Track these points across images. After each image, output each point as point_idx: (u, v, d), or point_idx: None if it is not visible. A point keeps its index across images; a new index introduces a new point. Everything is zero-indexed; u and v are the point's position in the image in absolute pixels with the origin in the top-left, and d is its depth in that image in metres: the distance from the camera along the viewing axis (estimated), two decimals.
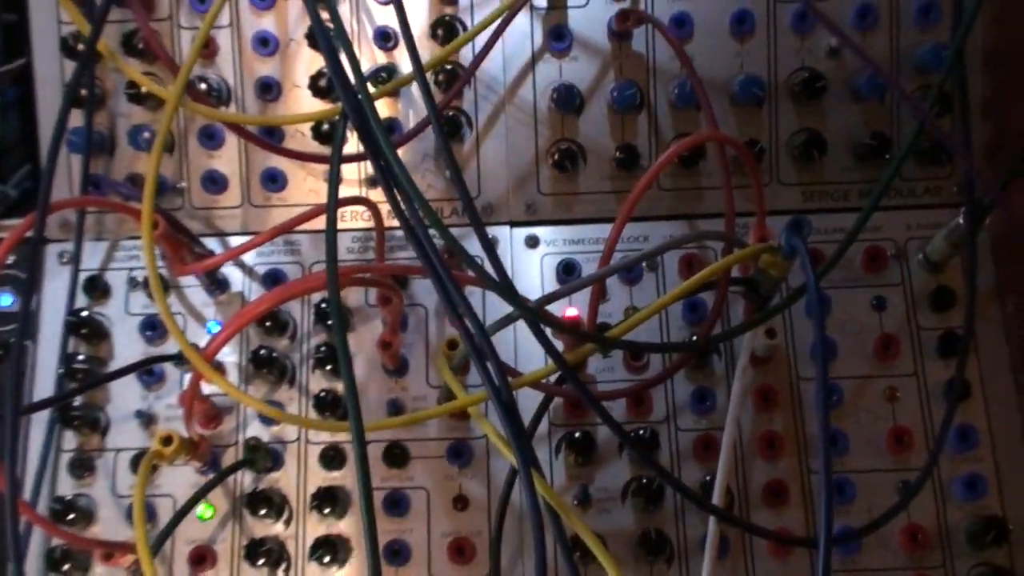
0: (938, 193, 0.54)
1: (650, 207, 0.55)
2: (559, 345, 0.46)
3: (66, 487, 0.53)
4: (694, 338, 0.51)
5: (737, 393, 0.47)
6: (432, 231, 0.38)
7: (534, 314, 0.40)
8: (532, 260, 0.55)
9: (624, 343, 0.45)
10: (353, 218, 0.55)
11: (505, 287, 0.39)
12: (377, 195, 0.55)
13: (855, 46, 0.47)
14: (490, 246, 0.38)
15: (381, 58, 0.54)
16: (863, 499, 0.51)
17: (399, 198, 0.37)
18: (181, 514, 0.48)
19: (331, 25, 0.38)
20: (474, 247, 0.48)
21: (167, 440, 0.46)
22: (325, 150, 0.53)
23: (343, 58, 0.37)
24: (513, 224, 0.55)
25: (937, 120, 0.52)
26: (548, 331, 0.43)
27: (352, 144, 0.54)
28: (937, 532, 0.50)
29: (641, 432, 0.50)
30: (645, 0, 0.54)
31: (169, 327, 0.45)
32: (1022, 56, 0.52)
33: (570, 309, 0.52)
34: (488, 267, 0.39)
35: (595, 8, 0.54)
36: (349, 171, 0.56)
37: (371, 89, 0.50)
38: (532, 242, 0.56)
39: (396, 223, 0.39)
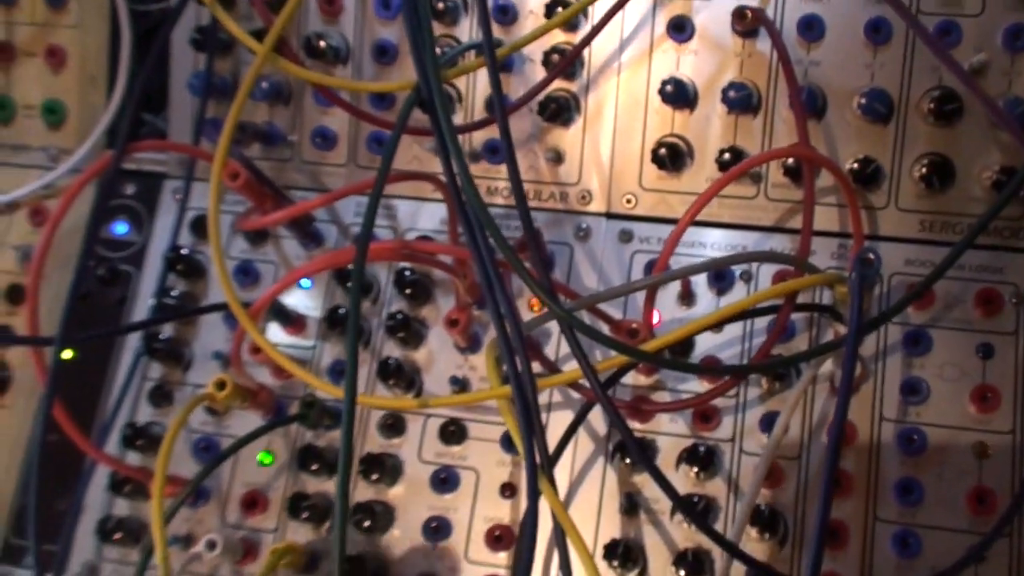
0: None
1: (757, 216, 0.81)
2: None
3: (145, 415, 0.88)
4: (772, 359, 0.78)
5: (782, 419, 0.71)
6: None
7: (565, 316, 0.64)
8: (623, 255, 0.83)
9: (647, 356, 0.68)
10: None
11: (541, 286, 0.66)
12: (482, 170, 0.86)
13: (964, 75, 0.71)
14: (536, 236, 0.67)
15: (497, 32, 0.85)
16: (928, 557, 0.72)
17: (453, 178, 0.66)
18: (221, 457, 0.76)
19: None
20: (567, 234, 0.79)
21: (221, 384, 0.75)
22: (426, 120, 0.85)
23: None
24: (609, 216, 0.83)
25: None
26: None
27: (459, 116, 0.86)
28: None
29: (700, 449, 0.77)
30: None
31: (222, 280, 0.73)
32: None
33: (655, 313, 0.80)
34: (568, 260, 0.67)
35: (722, 2, 0.81)
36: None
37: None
38: (626, 237, 0.84)
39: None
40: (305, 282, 0.86)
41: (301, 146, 0.88)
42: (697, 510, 0.74)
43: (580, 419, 0.75)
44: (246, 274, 0.87)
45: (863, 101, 0.78)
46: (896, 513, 0.74)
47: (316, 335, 0.85)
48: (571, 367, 0.70)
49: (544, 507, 0.66)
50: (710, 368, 0.76)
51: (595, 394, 0.65)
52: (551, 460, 0.70)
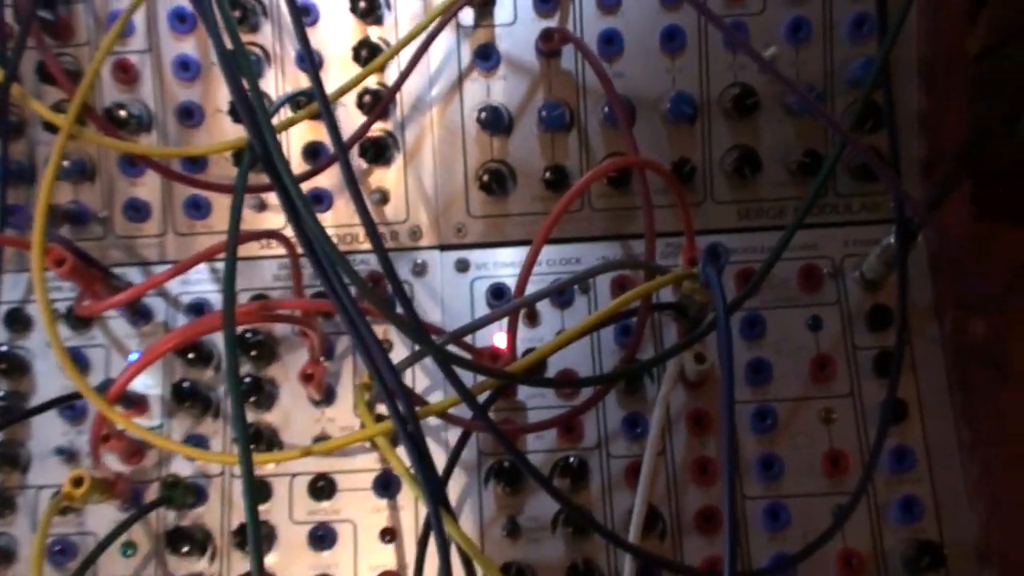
0: (876, 209, 0.81)
1: (583, 228, 0.84)
2: None
3: None
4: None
5: (656, 421, 0.75)
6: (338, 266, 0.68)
7: (439, 351, 0.65)
8: (463, 284, 0.84)
9: (524, 379, 0.70)
10: (278, 245, 0.85)
11: (409, 325, 0.66)
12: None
13: (767, 65, 0.75)
14: (396, 280, 0.66)
15: (305, 82, 0.85)
16: (798, 524, 0.78)
17: (304, 230, 0.66)
18: (89, 561, 0.73)
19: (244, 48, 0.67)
20: (403, 271, 0.80)
21: (78, 481, 0.72)
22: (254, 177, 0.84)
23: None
24: (443, 248, 0.84)
25: (870, 135, 0.82)
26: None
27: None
28: (873, 557, 0.78)
29: (571, 461, 0.79)
30: (573, 16, 0.83)
31: (64, 366, 0.70)
32: (956, 70, 0.83)
33: (498, 337, 0.82)
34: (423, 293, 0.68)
35: (523, 26, 0.82)
36: (275, 197, 0.86)
37: (287, 115, 0.80)
38: (462, 266, 0.85)
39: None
40: (131, 355, 0.83)
41: (113, 221, 0.85)
42: (589, 517, 0.76)
43: (460, 447, 0.76)
44: (77, 361, 0.83)
45: (669, 106, 0.82)
46: (762, 489, 0.79)
47: (162, 413, 0.82)
48: (438, 397, 0.73)
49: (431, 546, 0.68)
50: (591, 379, 0.79)
51: (478, 419, 0.67)
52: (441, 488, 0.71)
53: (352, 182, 0.64)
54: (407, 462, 0.68)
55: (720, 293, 0.66)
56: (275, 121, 0.73)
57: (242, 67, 0.64)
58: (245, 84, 0.63)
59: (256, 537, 0.61)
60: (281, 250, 0.83)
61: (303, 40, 0.65)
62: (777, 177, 0.83)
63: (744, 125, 0.83)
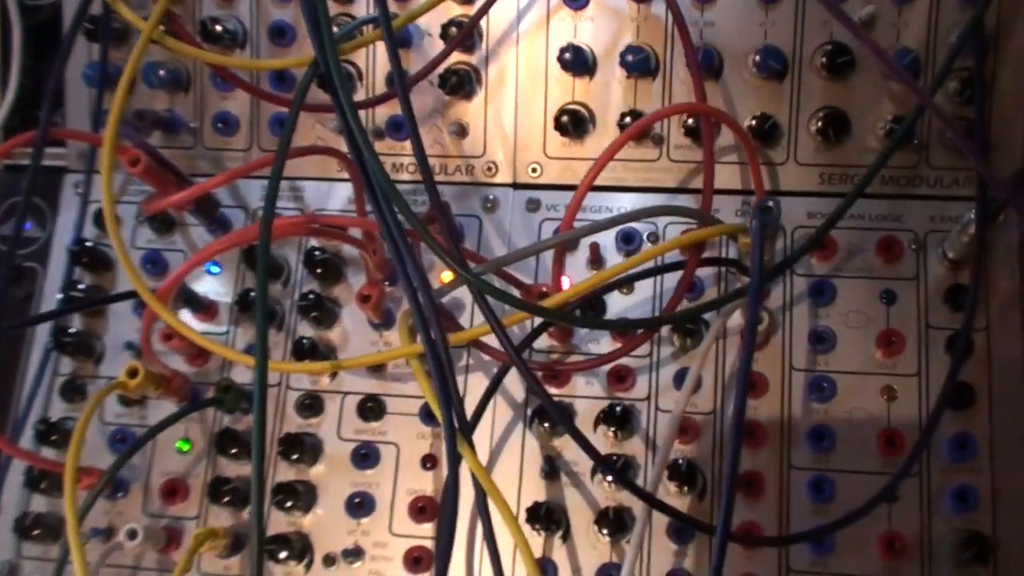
0: (968, 184, 0.78)
1: (660, 178, 0.83)
2: None
3: (58, 411, 0.88)
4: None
5: (692, 373, 0.73)
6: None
7: (473, 280, 0.66)
8: (532, 223, 0.85)
9: (549, 312, 0.70)
10: None
11: (450, 254, 0.67)
12: (387, 147, 0.87)
13: (853, 26, 0.73)
14: (443, 209, 0.68)
15: (394, 8, 0.86)
16: (843, 500, 0.75)
17: (360, 152, 0.67)
18: (135, 446, 0.77)
19: None
20: (475, 206, 0.81)
21: (133, 372, 0.75)
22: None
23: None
24: (516, 186, 0.84)
25: (970, 106, 0.78)
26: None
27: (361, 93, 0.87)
28: (918, 542, 0.76)
29: (617, 409, 0.79)
30: None
31: (124, 264, 0.73)
32: None
33: (565, 279, 0.82)
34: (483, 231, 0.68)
35: None
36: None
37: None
38: (533, 205, 0.85)
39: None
40: (214, 268, 0.87)
41: (203, 132, 0.88)
42: (616, 468, 0.76)
43: (497, 382, 0.76)
44: (154, 263, 0.87)
45: (758, 59, 0.80)
46: (810, 460, 0.77)
47: (228, 320, 0.85)
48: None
49: (467, 474, 0.68)
50: (614, 322, 0.78)
51: (506, 352, 0.67)
52: (470, 425, 0.71)
53: (408, 112, 0.66)
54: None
55: (759, 248, 0.65)
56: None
57: None
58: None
59: (260, 440, 0.64)
60: None
61: None
62: (865, 143, 0.81)
63: (836, 85, 0.81)
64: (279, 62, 0.81)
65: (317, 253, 0.83)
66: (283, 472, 0.82)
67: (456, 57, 0.84)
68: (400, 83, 0.67)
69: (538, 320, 0.76)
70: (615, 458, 0.78)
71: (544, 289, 0.76)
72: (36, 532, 0.81)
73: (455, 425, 0.66)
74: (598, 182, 0.81)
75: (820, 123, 0.80)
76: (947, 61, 0.71)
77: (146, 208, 0.78)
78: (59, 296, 0.86)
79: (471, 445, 0.68)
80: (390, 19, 0.67)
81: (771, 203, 0.66)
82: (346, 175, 0.86)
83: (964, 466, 0.75)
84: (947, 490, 0.75)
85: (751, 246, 0.66)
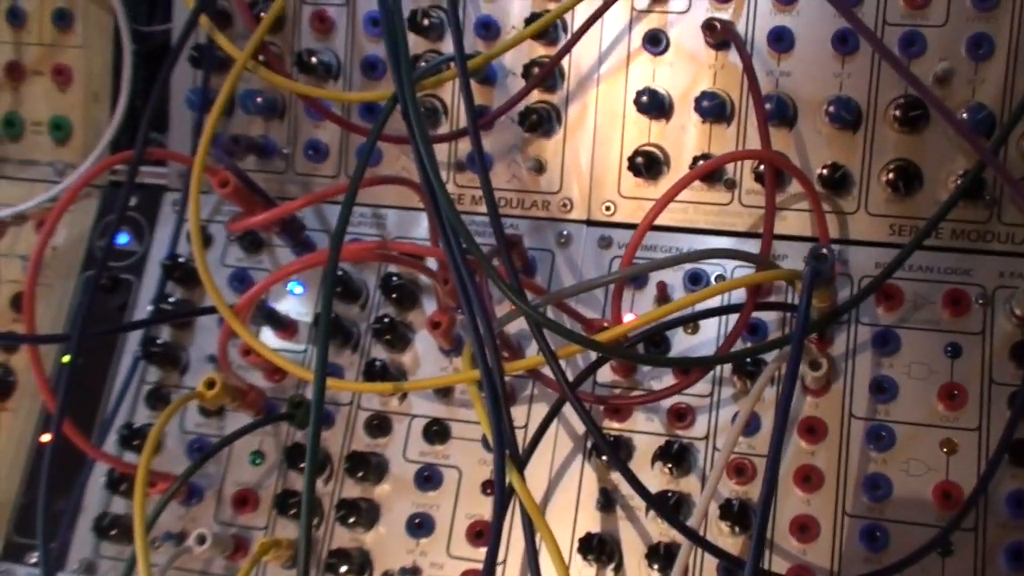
0: None
1: (731, 222, 0.86)
2: None
3: (142, 417, 0.93)
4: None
5: (743, 414, 0.74)
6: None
7: (532, 313, 0.68)
8: (603, 260, 0.87)
9: (602, 347, 0.72)
10: None
11: (509, 286, 0.71)
12: (468, 179, 0.92)
13: (922, 87, 0.75)
14: (508, 240, 0.71)
15: (480, 47, 0.91)
16: (896, 550, 0.75)
17: (430, 184, 0.71)
18: (208, 454, 0.82)
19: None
20: (549, 241, 0.84)
21: (211, 384, 0.80)
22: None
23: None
24: (589, 223, 0.88)
25: None
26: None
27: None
28: None
29: (673, 447, 0.81)
30: (747, 11, 0.85)
31: (204, 280, 0.78)
32: None
33: (628, 315, 0.85)
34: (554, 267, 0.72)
35: (696, 14, 0.84)
36: (441, 151, 0.92)
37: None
38: (605, 243, 0.88)
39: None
40: (297, 288, 0.91)
41: (294, 158, 0.94)
42: (668, 505, 0.78)
43: (554, 413, 0.79)
44: (241, 281, 0.92)
45: (831, 109, 0.82)
46: (865, 507, 0.78)
47: (307, 339, 0.90)
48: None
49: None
50: (665, 359, 0.82)
51: (559, 382, 0.70)
52: (527, 452, 0.75)
53: (478, 147, 0.70)
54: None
55: (808, 296, 0.67)
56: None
57: (392, 20, 0.70)
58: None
59: (313, 455, 0.69)
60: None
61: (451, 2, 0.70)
62: (937, 196, 0.82)
63: (909, 138, 0.82)
64: (361, 95, 0.86)
65: (394, 279, 0.88)
66: (349, 489, 0.86)
67: (537, 95, 0.87)
68: (471, 120, 0.71)
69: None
70: (669, 495, 0.80)
71: (605, 324, 0.79)
72: (113, 532, 0.86)
73: (504, 450, 0.69)
74: (670, 223, 0.84)
75: (891, 175, 0.82)
76: (1012, 118, 0.73)
77: (230, 227, 0.83)
78: (150, 307, 0.92)
79: (521, 474, 0.71)
80: (465, 57, 0.71)
81: (824, 250, 0.68)
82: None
83: (1022, 523, 0.76)
84: (1003, 547, 0.75)
85: (801, 291, 0.68)
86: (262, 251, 0.93)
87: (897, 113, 0.81)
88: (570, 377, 0.75)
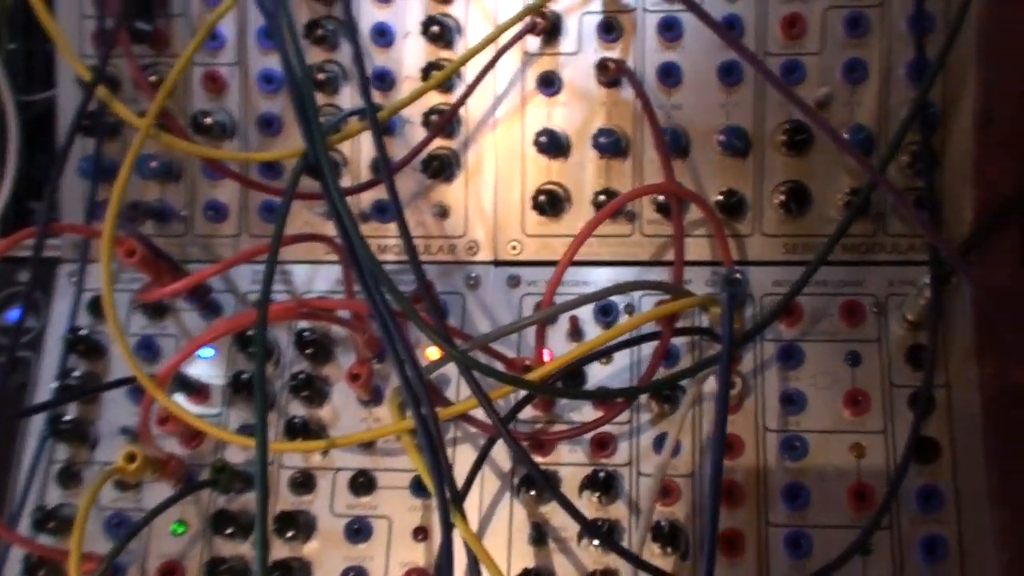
0: (923, 250, 0.84)
1: (634, 252, 0.89)
2: None
3: (54, 497, 0.91)
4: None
5: (671, 438, 0.78)
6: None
7: (460, 357, 0.70)
8: (513, 299, 0.90)
9: (533, 386, 0.75)
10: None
11: (437, 331, 0.73)
12: (372, 229, 0.93)
13: (809, 110, 0.80)
14: (428, 286, 0.73)
15: (377, 98, 0.92)
16: (821, 555, 0.79)
17: (348, 236, 0.72)
18: (133, 531, 0.80)
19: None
20: (458, 283, 0.86)
21: (131, 457, 0.78)
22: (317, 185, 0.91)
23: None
24: (497, 263, 0.90)
25: (919, 178, 0.85)
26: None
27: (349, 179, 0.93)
28: None
29: (600, 475, 0.84)
30: (635, 48, 0.90)
31: (121, 349, 0.77)
32: (1011, 119, 0.85)
33: (547, 352, 0.88)
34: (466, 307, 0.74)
35: (586, 56, 0.87)
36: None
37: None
38: (514, 282, 0.90)
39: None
40: (207, 352, 0.91)
41: (194, 220, 0.94)
42: (602, 532, 0.80)
43: (485, 453, 0.81)
44: (148, 349, 0.91)
45: (722, 138, 0.86)
46: (786, 517, 0.81)
47: (221, 402, 0.90)
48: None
49: (459, 542, 0.72)
50: (595, 393, 0.84)
51: (494, 423, 0.72)
52: (460, 495, 0.76)
53: (394, 197, 0.71)
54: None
55: (729, 317, 0.70)
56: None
57: (298, 81, 0.71)
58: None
59: (263, 521, 0.68)
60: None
61: (356, 57, 0.72)
62: (826, 214, 0.87)
63: (796, 161, 0.87)
64: (271, 155, 0.86)
65: (307, 334, 0.88)
66: (278, 550, 0.85)
67: (437, 142, 0.90)
68: (386, 171, 0.73)
69: (522, 392, 0.81)
70: (600, 523, 0.82)
71: (527, 362, 0.81)
72: None
73: (447, 496, 0.70)
74: (576, 257, 0.87)
75: (783, 196, 0.86)
76: (895, 139, 0.78)
77: (143, 297, 0.83)
78: (54, 385, 0.90)
79: (463, 515, 0.73)
80: (375, 109, 0.73)
81: (738, 275, 0.72)
82: (332, 257, 0.91)
83: (932, 517, 0.81)
84: (917, 541, 0.80)
85: (722, 316, 0.72)
86: (166, 317, 0.92)
87: (784, 138, 0.86)
88: None
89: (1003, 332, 0.82)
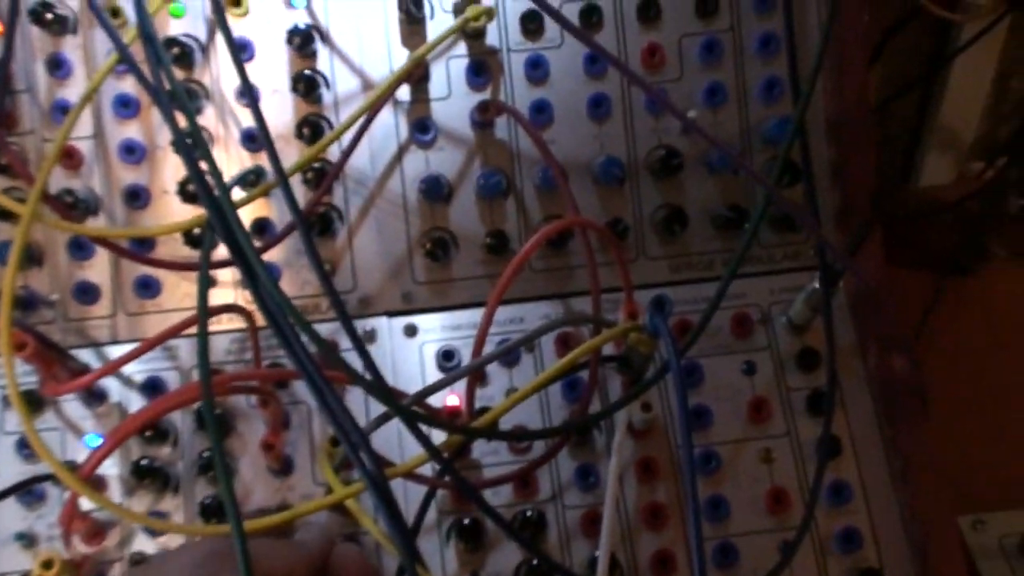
0: (797, 257, 0.85)
1: (524, 288, 0.85)
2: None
3: None
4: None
5: (614, 470, 0.77)
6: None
7: (406, 412, 0.66)
8: (412, 349, 0.86)
9: (491, 433, 0.72)
10: (230, 320, 0.84)
11: (376, 387, 0.68)
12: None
13: (693, 125, 0.79)
14: (360, 344, 0.67)
15: (248, 161, 0.86)
16: (747, 562, 0.79)
17: (266, 302, 0.66)
18: None
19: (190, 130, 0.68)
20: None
21: (48, 563, 0.72)
22: (196, 255, 0.84)
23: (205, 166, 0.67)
24: (390, 314, 0.85)
25: (788, 189, 0.86)
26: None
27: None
28: None
29: (528, 514, 0.81)
30: (505, 88, 0.86)
31: (36, 448, 0.69)
32: (860, 124, 0.87)
33: (451, 397, 0.83)
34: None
35: (457, 100, 0.84)
36: (223, 274, 0.86)
37: (240, 193, 0.81)
38: (411, 331, 0.86)
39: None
40: (92, 440, 0.82)
41: (64, 305, 0.84)
42: (543, 570, 0.77)
43: (427, 504, 0.76)
44: (28, 447, 0.81)
45: (599, 169, 0.84)
46: (711, 529, 0.80)
47: (121, 492, 0.81)
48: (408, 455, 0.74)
49: None
50: (546, 431, 0.81)
51: (448, 475, 0.68)
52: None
53: (312, 251, 0.65)
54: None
55: (672, 339, 0.69)
56: None
57: (198, 145, 0.65)
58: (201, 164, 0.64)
59: None
60: (233, 324, 0.83)
61: (258, 117, 0.66)
62: (704, 232, 0.86)
63: (670, 184, 0.86)
64: (178, 224, 0.78)
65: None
66: None
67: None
68: (301, 223, 0.66)
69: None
70: (534, 563, 0.79)
71: (452, 409, 0.77)
72: None
73: (413, 555, 0.65)
74: (466, 300, 0.83)
75: (662, 219, 0.85)
76: (783, 157, 0.78)
77: (49, 391, 0.74)
78: None
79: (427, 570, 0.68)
80: (284, 173, 0.67)
81: (665, 299, 0.71)
82: (218, 328, 0.84)
83: (844, 509, 0.81)
84: (834, 534, 0.81)
85: (661, 337, 0.71)
86: (45, 409, 0.83)
87: (657, 164, 0.85)
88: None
89: (880, 326, 0.84)
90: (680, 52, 0.86)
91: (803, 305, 0.83)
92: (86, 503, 0.78)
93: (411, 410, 0.67)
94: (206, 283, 0.67)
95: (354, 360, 0.68)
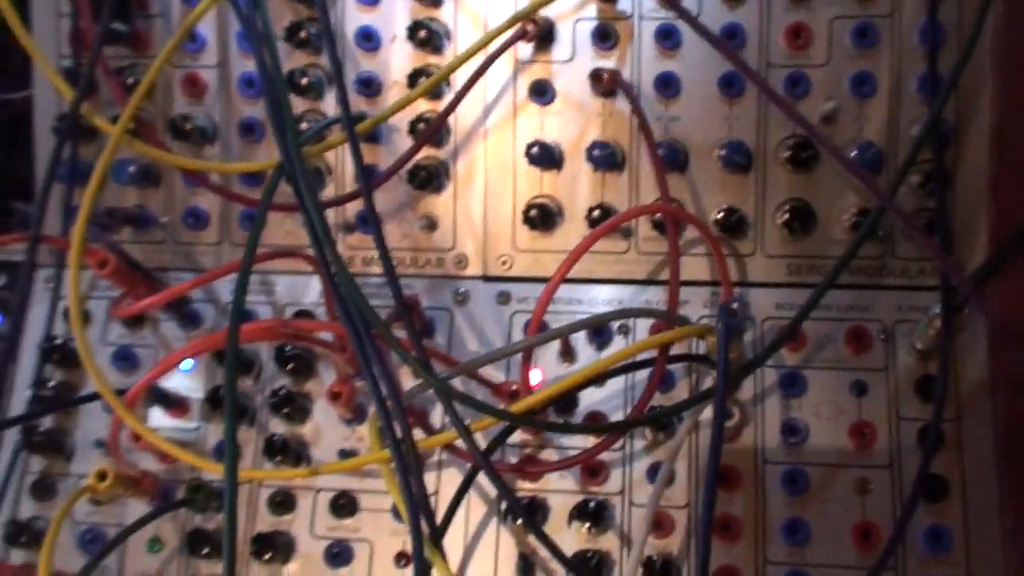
0: (935, 274, 0.72)
1: (630, 271, 0.76)
2: None
3: (28, 510, 0.79)
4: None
5: (663, 474, 0.67)
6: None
7: (441, 385, 0.60)
8: (503, 316, 0.78)
9: (517, 418, 0.64)
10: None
11: (415, 357, 0.61)
12: (358, 240, 0.80)
13: (811, 128, 0.67)
14: (407, 309, 0.61)
15: (362, 105, 0.79)
16: None
17: (323, 253, 0.60)
18: (107, 549, 0.70)
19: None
20: (445, 299, 0.73)
21: (102, 475, 0.69)
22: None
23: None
24: (486, 278, 0.77)
25: (932, 199, 0.72)
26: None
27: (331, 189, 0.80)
28: None
29: (589, 504, 0.72)
30: (632, 56, 0.77)
31: (89, 370, 0.67)
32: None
33: (534, 373, 0.75)
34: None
35: (581, 63, 0.75)
36: (328, 212, 0.80)
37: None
38: (504, 298, 0.78)
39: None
40: (186, 365, 0.79)
41: (174, 227, 0.81)
42: (590, 566, 0.68)
43: (467, 484, 0.69)
44: (125, 359, 0.79)
45: (723, 153, 0.73)
46: (785, 554, 0.70)
47: (199, 417, 0.77)
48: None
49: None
50: (582, 427, 0.72)
51: (475, 458, 0.60)
52: (442, 526, 0.66)
53: (372, 211, 0.59)
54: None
55: (724, 352, 0.59)
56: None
57: (274, 87, 0.59)
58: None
59: (231, 543, 0.57)
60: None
61: (334, 61, 0.59)
62: (831, 234, 0.74)
63: (801, 178, 0.74)
64: (245, 165, 0.74)
65: (287, 349, 0.76)
66: (255, 572, 0.74)
67: (425, 152, 0.77)
68: (365, 184, 0.60)
69: None
70: (589, 555, 0.70)
71: (514, 387, 0.69)
72: None
73: (420, 529, 0.59)
74: (569, 275, 0.74)
75: (786, 215, 0.74)
76: (907, 160, 0.66)
77: (117, 312, 0.71)
78: (28, 393, 0.78)
79: (441, 551, 0.62)
80: (353, 121, 0.60)
81: (735, 305, 0.63)
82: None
83: (940, 559, 0.69)
84: None
85: (717, 353, 0.60)
86: (144, 326, 0.80)
87: (788, 154, 0.73)
88: (481, 441, 0.66)
89: (1019, 364, 0.69)
90: (830, 35, 0.74)
91: (927, 328, 0.69)
92: (166, 422, 0.76)
93: (445, 383, 0.59)
94: (261, 221, 0.62)
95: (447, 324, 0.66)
